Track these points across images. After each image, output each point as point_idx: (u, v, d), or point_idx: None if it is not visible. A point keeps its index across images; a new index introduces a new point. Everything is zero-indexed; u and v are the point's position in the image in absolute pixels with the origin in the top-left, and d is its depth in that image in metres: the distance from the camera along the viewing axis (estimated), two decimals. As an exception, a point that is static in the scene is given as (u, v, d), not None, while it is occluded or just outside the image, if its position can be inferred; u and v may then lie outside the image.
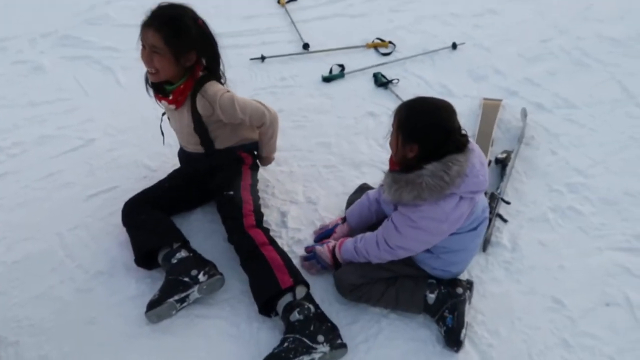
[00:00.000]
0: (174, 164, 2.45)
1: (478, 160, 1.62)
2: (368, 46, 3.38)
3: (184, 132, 2.03)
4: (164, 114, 2.11)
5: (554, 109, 2.83)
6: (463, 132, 1.63)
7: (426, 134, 1.57)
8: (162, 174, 2.36)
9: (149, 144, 2.60)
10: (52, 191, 2.36)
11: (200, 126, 1.96)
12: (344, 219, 2.08)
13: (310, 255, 1.99)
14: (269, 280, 1.77)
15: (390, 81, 3.04)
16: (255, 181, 2.14)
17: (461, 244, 1.73)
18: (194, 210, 2.24)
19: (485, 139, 2.55)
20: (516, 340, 1.79)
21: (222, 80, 1.99)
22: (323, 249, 1.93)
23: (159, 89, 1.94)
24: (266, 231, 1.98)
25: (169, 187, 2.13)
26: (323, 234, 2.08)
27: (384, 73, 3.10)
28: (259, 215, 2.02)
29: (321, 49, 3.32)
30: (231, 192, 2.02)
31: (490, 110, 2.77)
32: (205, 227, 2.18)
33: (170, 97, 1.92)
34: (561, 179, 2.42)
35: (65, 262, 2.04)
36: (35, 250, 2.08)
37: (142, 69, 1.96)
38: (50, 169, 2.47)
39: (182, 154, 2.19)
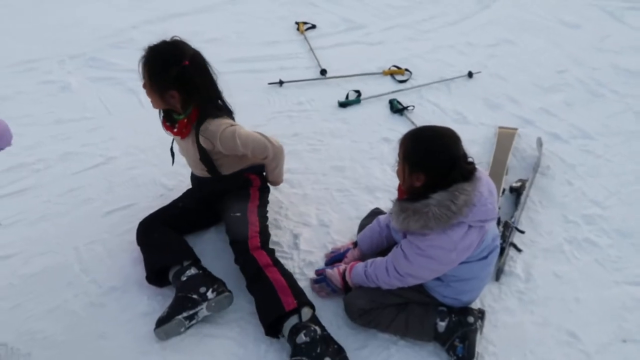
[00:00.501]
0: (189, 183, 2.50)
1: (486, 188, 1.62)
2: (384, 73, 3.43)
3: (191, 160, 2.09)
4: (173, 140, 2.17)
5: (570, 139, 2.82)
6: (470, 159, 1.64)
7: (431, 162, 1.58)
8: (177, 193, 2.41)
9: (167, 163, 2.62)
10: (72, 206, 2.42)
11: (205, 157, 2.00)
12: (355, 244, 2.09)
13: (321, 278, 1.99)
14: (273, 302, 1.78)
15: (405, 108, 3.07)
16: (263, 202, 2.17)
17: (471, 272, 1.72)
18: (208, 229, 2.27)
19: (499, 167, 2.55)
20: (528, 374, 1.75)
21: (231, 113, 2.02)
22: (333, 272, 1.94)
23: (168, 117, 1.99)
24: (271, 252, 1.99)
25: (182, 207, 2.17)
26: (334, 258, 2.09)
27: (399, 100, 3.14)
28: (264, 237, 2.04)
29: (338, 75, 3.38)
30: (238, 214, 2.05)
31: (505, 138, 2.77)
32: (218, 247, 2.20)
33: (175, 129, 1.97)
34: (577, 209, 2.40)
35: (81, 276, 2.08)
36: (52, 264, 2.13)
37: None
38: (71, 184, 2.53)
39: (193, 177, 2.24)
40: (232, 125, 1.95)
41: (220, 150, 1.97)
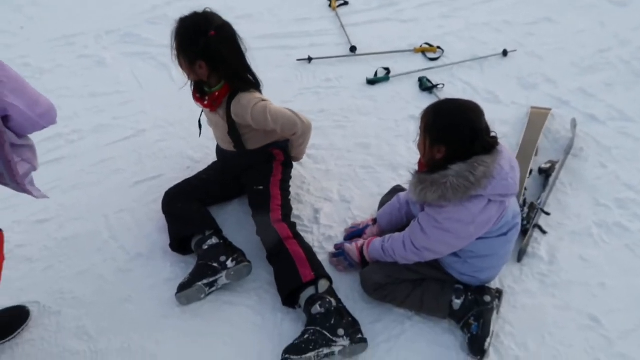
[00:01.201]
0: (215, 156, 2.55)
1: (508, 163, 1.58)
2: (416, 51, 3.35)
3: (219, 133, 2.12)
4: (202, 112, 2.19)
5: (608, 121, 2.70)
6: (492, 133, 1.60)
7: (453, 134, 1.56)
8: (203, 166, 2.46)
9: (194, 137, 2.71)
10: (103, 176, 2.51)
11: (233, 131, 2.03)
12: (374, 220, 2.09)
13: (339, 252, 2.01)
14: (291, 273, 1.81)
15: (435, 86, 3.00)
16: (286, 177, 2.19)
17: (490, 249, 1.69)
18: (231, 201, 2.32)
19: (529, 147, 2.47)
20: (545, 356, 1.73)
21: (258, 85, 2.02)
22: (352, 247, 1.95)
23: (199, 89, 2.01)
24: (292, 225, 2.02)
25: (207, 179, 2.21)
26: (353, 233, 2.09)
27: (430, 78, 3.08)
28: (286, 210, 2.07)
29: (368, 52, 3.34)
30: (261, 187, 2.09)
31: (537, 118, 2.68)
32: (241, 218, 2.25)
33: (205, 102, 1.99)
34: (610, 193, 2.31)
35: (109, 242, 2.17)
36: (83, 230, 2.22)
37: None
38: (103, 155, 2.63)
39: (218, 150, 2.27)
40: (263, 100, 1.97)
41: (249, 124, 1.99)
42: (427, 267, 1.81)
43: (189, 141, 2.70)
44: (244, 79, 1.97)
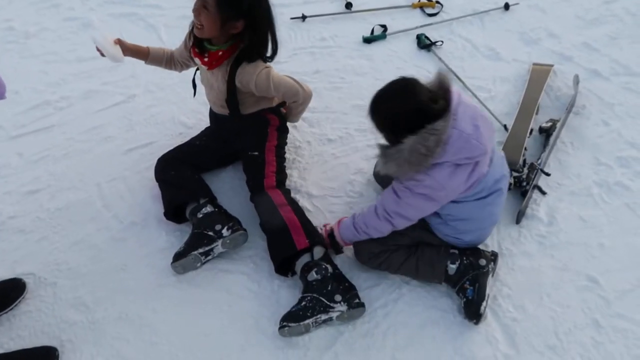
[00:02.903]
0: (208, 122, 2.49)
1: (469, 123, 1.53)
2: (414, 6, 3.22)
3: (212, 95, 2.04)
4: (198, 69, 2.11)
5: (611, 77, 2.62)
6: (440, 99, 1.55)
7: (394, 123, 1.57)
8: (196, 132, 2.40)
9: (186, 102, 2.64)
10: (94, 144, 2.45)
11: (232, 97, 1.95)
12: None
13: None
14: (285, 241, 1.79)
15: (434, 43, 2.90)
16: (282, 142, 2.14)
17: (468, 212, 1.67)
18: (226, 167, 2.27)
19: (530, 106, 2.40)
20: (543, 317, 1.72)
21: (268, 60, 1.93)
22: (320, 232, 1.89)
23: (199, 43, 1.91)
24: (286, 192, 1.98)
25: (200, 145, 2.16)
26: None
27: (428, 35, 2.96)
28: (281, 176, 2.03)
29: (364, 8, 3.21)
30: (255, 153, 2.04)
31: (539, 75, 2.60)
32: (235, 185, 2.21)
33: (206, 58, 1.90)
34: (611, 151, 2.26)
35: (103, 212, 2.14)
36: (75, 200, 2.19)
37: (184, 28, 1.97)
38: (93, 122, 2.56)
39: (212, 114, 2.20)
40: (266, 67, 1.90)
41: (250, 91, 1.92)
42: (421, 231, 1.79)
43: (181, 106, 2.63)
44: (261, 51, 1.88)
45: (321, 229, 1.90)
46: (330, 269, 1.76)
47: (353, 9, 3.21)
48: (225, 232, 1.86)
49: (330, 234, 1.86)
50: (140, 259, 1.96)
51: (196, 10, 1.76)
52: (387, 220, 1.69)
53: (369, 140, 2.39)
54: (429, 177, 1.55)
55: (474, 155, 1.54)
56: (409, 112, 1.53)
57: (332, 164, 2.29)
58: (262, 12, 1.79)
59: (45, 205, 2.17)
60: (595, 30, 2.93)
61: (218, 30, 1.78)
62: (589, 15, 3.03)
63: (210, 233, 1.86)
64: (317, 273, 1.73)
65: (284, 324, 1.66)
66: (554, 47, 2.86)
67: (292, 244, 1.77)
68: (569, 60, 2.75)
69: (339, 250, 1.87)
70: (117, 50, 1.98)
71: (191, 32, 1.92)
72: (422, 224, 1.80)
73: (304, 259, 1.77)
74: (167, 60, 2.14)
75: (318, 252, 1.80)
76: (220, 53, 1.84)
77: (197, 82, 2.15)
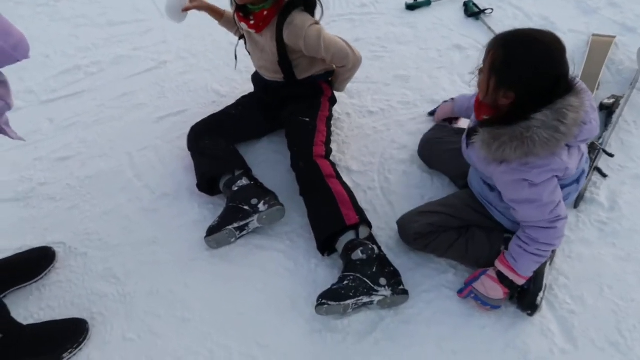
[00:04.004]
0: (243, 90, 2.36)
1: (589, 102, 1.35)
2: (461, -29, 3.00)
3: (264, 60, 1.90)
4: (241, 37, 1.96)
5: (681, 50, 2.38)
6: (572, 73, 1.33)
7: (530, 80, 1.28)
8: (230, 100, 2.29)
9: (219, 69, 2.53)
10: (125, 111, 2.37)
11: (284, 59, 1.82)
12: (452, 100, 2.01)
13: (473, 297, 1.60)
14: (334, 215, 1.67)
15: (482, 11, 2.70)
16: (331, 114, 2.02)
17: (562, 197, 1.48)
18: (259, 139, 2.16)
19: (590, 81, 2.20)
20: (604, 310, 1.58)
21: (316, 12, 1.80)
22: (482, 280, 1.55)
23: (242, 8, 1.78)
24: (333, 165, 1.86)
25: (236, 115, 2.04)
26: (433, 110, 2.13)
27: (476, 2, 2.76)
28: (328, 148, 1.91)
29: (407, -27, 3.00)
30: (307, 119, 1.92)
31: (599, 48, 2.38)
32: (270, 157, 2.10)
33: (252, 21, 1.77)
34: (680, 132, 2.06)
35: (134, 181, 2.06)
36: (106, 168, 2.12)
37: None
38: (124, 89, 2.48)
39: (258, 80, 2.05)
40: (317, 23, 1.77)
41: (300, 49, 1.80)
42: (473, 213, 1.65)
43: (214, 74, 2.52)
44: (308, 2, 1.75)
45: (477, 279, 1.57)
46: (376, 249, 1.64)
47: (395, -27, 3.02)
48: (261, 206, 1.76)
49: (501, 276, 1.53)
50: (172, 231, 1.88)
51: None
52: (549, 223, 1.43)
53: (412, 113, 2.24)
54: (555, 159, 1.33)
55: (590, 137, 1.39)
56: (556, 76, 1.27)
57: (373, 138, 2.15)
58: None
59: (75, 173, 2.11)
60: (662, -1, 2.68)
61: None
62: (655, -17, 2.77)
63: (246, 207, 1.76)
64: (363, 252, 1.61)
65: (323, 301, 1.55)
66: (615, 17, 2.62)
67: (340, 218, 1.65)
68: (632, 32, 2.52)
69: (514, 292, 1.56)
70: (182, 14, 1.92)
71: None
72: (475, 205, 1.66)
73: (349, 235, 1.65)
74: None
75: (364, 231, 1.68)
76: (266, 12, 1.72)
77: (239, 53, 2.03)
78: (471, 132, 1.46)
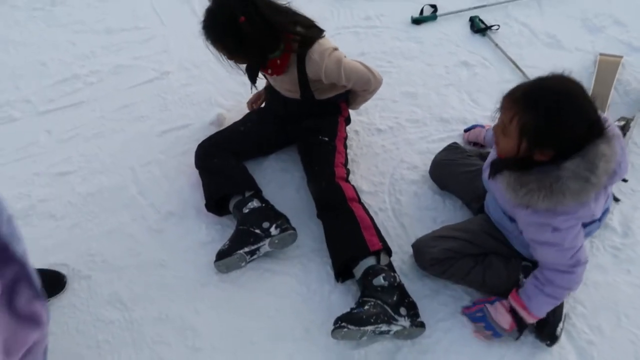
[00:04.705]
0: (246, 105, 2.32)
1: (619, 145, 1.31)
2: (466, -15, 2.99)
3: (285, 86, 1.88)
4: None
5: (687, 72, 2.40)
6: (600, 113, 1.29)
7: (565, 138, 1.22)
8: (235, 114, 2.25)
9: (223, 81, 2.48)
10: (126, 124, 2.30)
11: (305, 89, 1.82)
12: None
13: (477, 317, 1.59)
14: (356, 239, 1.63)
15: (489, 27, 2.68)
16: (347, 135, 2.01)
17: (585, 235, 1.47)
18: (267, 157, 2.11)
19: (600, 102, 2.19)
20: (622, 340, 1.57)
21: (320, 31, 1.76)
22: (496, 307, 1.55)
23: (256, 68, 1.80)
24: (355, 188, 1.82)
25: (244, 132, 1.99)
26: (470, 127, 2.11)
27: (482, 17, 2.75)
28: (347, 170, 1.89)
29: (412, -15, 2.98)
30: (326, 138, 1.89)
31: (607, 68, 2.39)
32: (278, 177, 2.05)
33: (269, 71, 1.76)
34: (689, 155, 2.07)
35: (138, 199, 2.00)
36: (109, 184, 2.05)
37: None
38: (125, 100, 2.41)
39: (273, 95, 2.00)
40: (335, 49, 1.73)
41: (320, 79, 1.78)
42: (491, 240, 1.63)
43: (218, 86, 2.46)
44: (312, 28, 1.72)
45: (493, 304, 1.56)
46: (397, 278, 1.61)
47: (400, -14, 2.99)
48: (273, 230, 1.71)
49: (514, 310, 1.52)
50: (180, 253, 1.82)
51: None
52: (569, 267, 1.40)
53: (422, 132, 2.21)
54: (583, 208, 1.30)
55: (618, 181, 1.37)
56: (586, 128, 1.21)
57: (383, 157, 2.12)
58: (259, 24, 1.59)
59: (76, 189, 2.04)
60: (666, 18, 2.70)
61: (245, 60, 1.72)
62: (658, 2, 2.79)
63: (257, 231, 1.71)
64: (385, 279, 1.57)
65: (342, 324, 1.49)
66: (621, 36, 2.63)
67: (363, 243, 1.61)
68: (639, 52, 2.53)
69: (522, 328, 1.54)
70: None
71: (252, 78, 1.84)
72: (492, 232, 1.63)
73: (369, 261, 1.61)
74: None
75: (384, 259, 1.65)
76: (278, 61, 1.72)
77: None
78: (495, 164, 1.41)
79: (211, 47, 1.66)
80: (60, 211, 1.96)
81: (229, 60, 1.71)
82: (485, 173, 1.54)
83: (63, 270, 1.76)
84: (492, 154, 1.56)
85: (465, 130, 2.14)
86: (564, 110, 1.20)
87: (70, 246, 1.85)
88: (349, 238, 1.65)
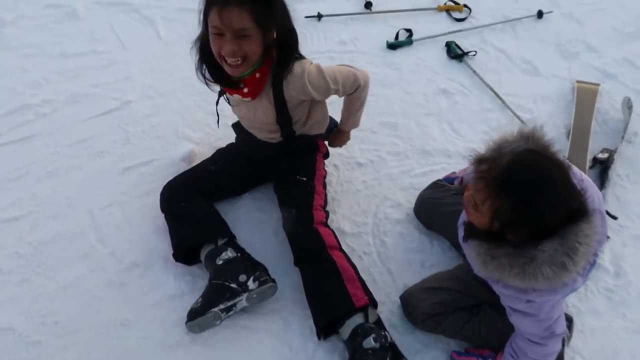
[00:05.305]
0: (218, 137, 2.17)
1: (599, 218, 1.20)
2: (439, 9, 2.94)
3: (258, 122, 1.69)
4: (221, 93, 1.73)
5: (662, 100, 2.40)
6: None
7: (540, 223, 1.12)
8: (204, 148, 2.11)
9: (191, 111, 2.31)
10: (84, 160, 2.10)
11: (284, 116, 1.62)
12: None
13: None
14: (339, 294, 1.49)
15: (466, 53, 2.63)
16: (326, 172, 1.86)
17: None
18: (240, 196, 1.96)
19: (583, 133, 2.16)
20: (624, 394, 1.49)
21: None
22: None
23: (224, 77, 1.54)
24: (335, 234, 1.69)
25: (216, 171, 1.83)
26: (449, 179, 1.90)
27: (458, 43, 2.69)
28: (327, 212, 1.74)
29: (385, 9, 2.91)
30: (304, 178, 1.74)
31: (586, 96, 2.36)
32: (254, 217, 1.90)
33: (245, 90, 1.55)
34: (672, 187, 2.04)
35: (97, 247, 1.80)
36: (63, 231, 1.84)
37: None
38: (82, 133, 2.20)
39: (247, 138, 1.80)
40: (311, 63, 1.56)
41: (301, 102, 1.60)
42: (483, 289, 1.52)
43: (185, 116, 2.29)
44: (296, 46, 1.52)
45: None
46: (389, 337, 1.48)
47: (373, 9, 2.92)
48: (251, 284, 1.56)
49: None
50: (145, 310, 1.63)
51: (230, 46, 1.38)
52: (542, 340, 1.32)
53: (404, 165, 2.11)
54: (555, 293, 1.22)
55: (600, 249, 1.29)
56: (562, 214, 1.11)
57: (364, 194, 2.00)
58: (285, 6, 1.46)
59: (26, 238, 1.82)
60: (636, 44, 2.72)
61: (261, 50, 1.45)
62: (628, 29, 2.81)
63: (233, 285, 1.55)
64: (376, 340, 1.43)
65: None
66: (594, 62, 2.63)
67: (347, 298, 1.47)
68: (613, 79, 2.53)
69: None
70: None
71: (208, 77, 1.58)
72: (484, 280, 1.53)
73: (357, 319, 1.47)
74: None
75: (373, 314, 1.51)
76: (258, 75, 1.51)
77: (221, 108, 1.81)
78: (468, 229, 1.30)
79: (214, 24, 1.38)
80: (6, 264, 1.74)
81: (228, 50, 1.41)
82: (460, 231, 1.43)
83: (7, 336, 1.54)
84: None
85: (449, 182, 1.90)
86: (541, 199, 1.10)
87: (17, 306, 1.63)
88: (331, 293, 1.52)
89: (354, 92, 1.68)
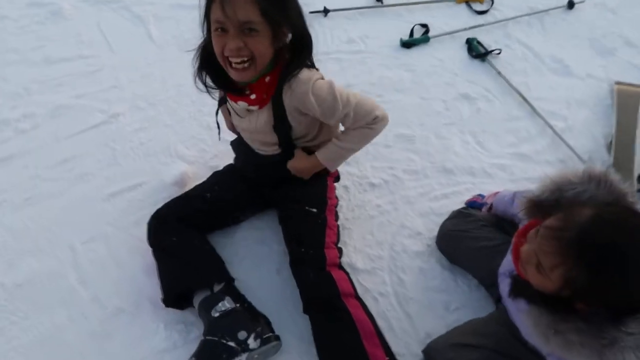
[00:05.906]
0: (214, 154, 1.95)
1: None
2: (458, 0, 2.67)
3: (259, 132, 1.44)
4: (221, 102, 1.52)
5: None
6: None
7: (621, 301, 0.92)
8: (199, 168, 1.90)
9: (184, 124, 2.09)
10: (65, 184, 1.89)
11: (281, 123, 1.38)
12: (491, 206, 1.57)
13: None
14: (355, 353, 1.29)
15: (489, 52, 2.36)
16: (337, 200, 1.64)
17: None
18: (240, 225, 1.74)
19: (626, 147, 1.90)
20: None
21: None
22: None
23: (228, 82, 1.33)
24: (350, 277, 1.46)
25: (211, 200, 1.61)
26: (474, 204, 1.67)
27: (480, 39, 2.43)
28: (340, 251, 1.53)
29: (398, 2, 2.65)
30: (314, 209, 1.51)
31: (628, 101, 2.10)
32: (254, 251, 1.68)
33: (253, 96, 1.34)
34: None
35: (78, 290, 1.60)
36: (41, 271, 1.64)
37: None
38: (65, 153, 1.99)
39: (248, 154, 1.57)
40: (323, 77, 1.34)
41: (305, 115, 1.37)
42: (520, 347, 1.28)
43: (178, 130, 2.07)
44: (308, 54, 1.32)
45: None
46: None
47: (385, 2, 2.65)
48: (252, 342, 1.35)
49: None
50: (132, 367, 1.44)
51: (235, 43, 1.17)
52: None
53: (423, 186, 1.88)
54: None
55: None
56: None
57: (379, 220, 1.77)
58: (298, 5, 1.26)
59: (0, 279, 1.62)
60: (681, 38, 2.44)
61: (271, 52, 1.24)
62: (669, 19, 2.52)
63: (231, 344, 1.34)
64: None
65: None
66: (634, 60, 2.36)
67: (365, 358, 1.28)
68: (656, 79, 2.26)
69: None
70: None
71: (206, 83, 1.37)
72: (512, 331, 1.31)
73: None
74: None
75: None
76: (268, 79, 1.29)
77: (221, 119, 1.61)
78: (518, 286, 1.08)
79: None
80: (-24, 312, 1.55)
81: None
82: (504, 282, 1.20)
83: (-24, 403, 1.36)
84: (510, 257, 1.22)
85: (475, 207, 1.68)
86: (634, 273, 0.88)
87: (-13, 364, 1.45)
88: (347, 352, 1.30)
89: (372, 121, 1.41)
